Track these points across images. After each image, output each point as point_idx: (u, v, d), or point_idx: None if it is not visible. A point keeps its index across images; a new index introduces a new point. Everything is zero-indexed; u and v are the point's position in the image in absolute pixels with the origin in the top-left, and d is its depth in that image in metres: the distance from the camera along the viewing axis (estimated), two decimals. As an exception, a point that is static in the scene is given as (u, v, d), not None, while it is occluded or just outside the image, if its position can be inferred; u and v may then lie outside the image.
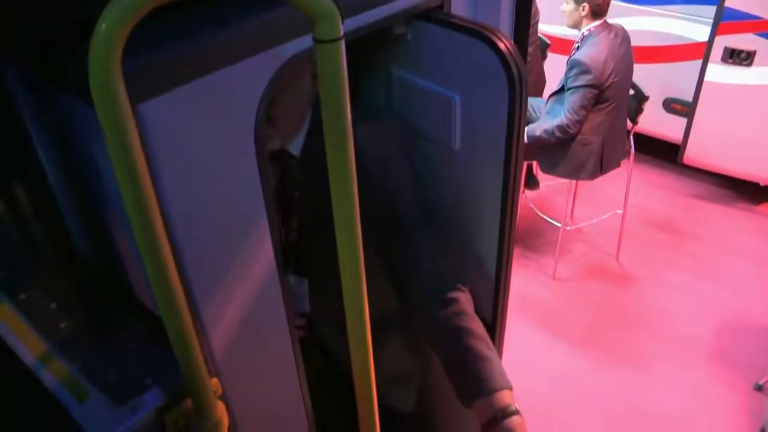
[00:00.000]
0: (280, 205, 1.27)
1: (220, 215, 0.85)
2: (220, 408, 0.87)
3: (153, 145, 0.73)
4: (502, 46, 1.09)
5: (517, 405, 1.18)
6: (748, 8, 3.67)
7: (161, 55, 0.72)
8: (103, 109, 0.61)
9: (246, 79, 0.81)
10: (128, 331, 0.99)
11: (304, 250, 1.30)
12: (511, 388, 1.21)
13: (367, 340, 0.90)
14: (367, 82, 1.42)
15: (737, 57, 3.79)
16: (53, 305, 1.03)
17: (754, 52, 3.74)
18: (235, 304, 0.93)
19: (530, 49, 3.72)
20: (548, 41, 4.06)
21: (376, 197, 1.26)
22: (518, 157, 1.21)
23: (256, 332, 0.99)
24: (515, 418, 1.16)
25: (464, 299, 1.27)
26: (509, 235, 1.32)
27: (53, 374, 0.90)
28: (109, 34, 0.57)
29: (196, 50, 0.75)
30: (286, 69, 0.84)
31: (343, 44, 0.66)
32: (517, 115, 1.14)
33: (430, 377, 1.66)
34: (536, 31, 3.86)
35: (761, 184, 4.20)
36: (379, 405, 1.00)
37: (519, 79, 1.11)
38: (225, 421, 0.88)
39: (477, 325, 1.25)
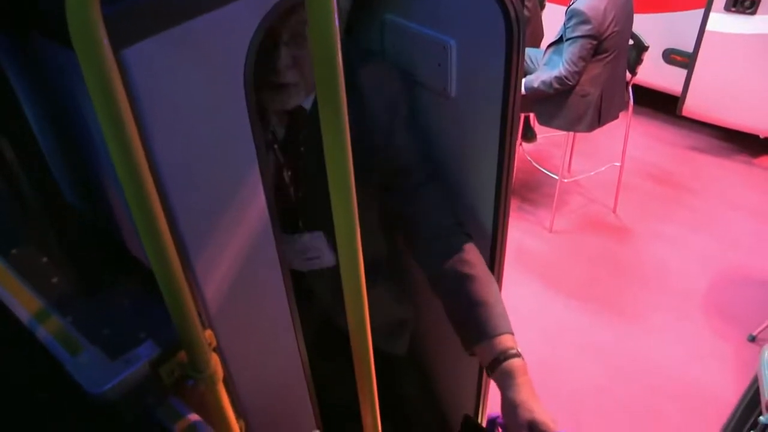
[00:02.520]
0: (290, 159, 1.25)
1: (210, 164, 0.84)
2: (215, 360, 0.86)
3: (138, 92, 0.71)
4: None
5: (519, 349, 1.19)
6: (752, -47, 3.59)
7: (143, -1, 0.69)
8: (84, 54, 0.58)
9: (233, 24, 0.78)
10: (121, 285, 0.99)
11: (309, 206, 1.29)
12: (512, 333, 1.21)
13: (362, 291, 0.89)
14: (360, 29, 1.39)
15: (741, 5, 3.72)
16: (45, 260, 1.02)
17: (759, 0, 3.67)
18: (228, 255, 0.92)
19: (529, 4, 3.66)
20: (547, -10, 3.98)
21: (384, 144, 1.26)
22: (515, 104, 1.19)
23: (251, 284, 0.99)
24: (516, 360, 1.17)
25: (469, 248, 1.28)
26: (506, 186, 1.31)
27: (47, 329, 0.90)
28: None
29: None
30: (273, 13, 0.81)
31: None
32: (514, 61, 1.12)
33: (422, 323, 1.68)
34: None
35: (761, 136, 4.18)
36: (373, 351, 1.00)
37: (517, 23, 1.08)
38: (219, 372, 0.88)
39: (481, 272, 1.26)
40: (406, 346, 1.64)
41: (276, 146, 1.23)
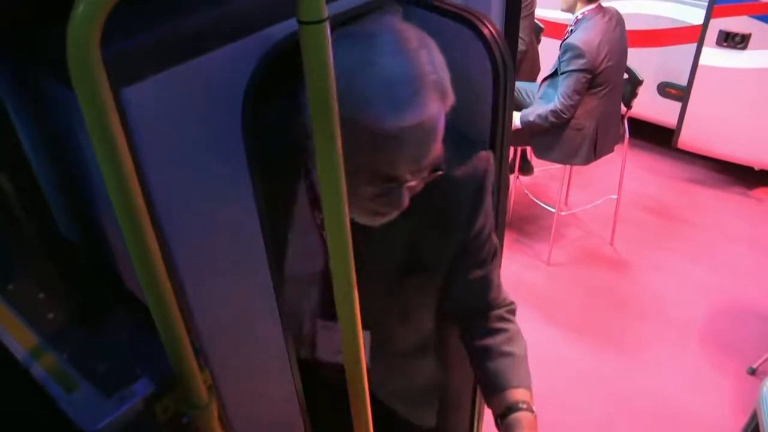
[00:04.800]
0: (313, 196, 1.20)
1: (207, 202, 0.84)
2: (210, 396, 0.86)
3: (137, 131, 0.72)
4: (486, 31, 1.08)
5: (533, 405, 1.20)
6: (742, -10, 3.66)
7: (144, 39, 0.70)
8: (83, 93, 0.59)
9: (232, 64, 0.79)
10: (118, 321, 0.98)
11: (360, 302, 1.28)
12: (528, 388, 1.23)
13: (359, 339, 0.90)
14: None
15: (732, 40, 3.78)
16: (41, 295, 1.02)
17: (749, 35, 3.73)
18: (225, 294, 0.93)
19: (526, 38, 3.71)
20: (542, 25, 4.04)
21: (465, 231, 1.21)
22: (504, 144, 1.20)
23: (247, 323, 0.99)
24: (524, 414, 1.18)
25: (515, 331, 1.31)
26: (500, 220, 1.32)
27: (42, 366, 0.90)
28: (87, 18, 0.55)
29: (179, 34, 0.73)
30: (273, 53, 0.83)
31: (327, 26, 0.64)
32: (501, 101, 1.14)
33: (448, 389, 1.66)
34: (533, 19, 3.84)
35: (755, 168, 4.20)
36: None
37: (503, 66, 1.10)
38: (215, 410, 0.87)
39: (519, 343, 1.29)
40: (435, 419, 1.61)
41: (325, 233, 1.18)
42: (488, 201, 1.21)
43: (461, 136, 1.19)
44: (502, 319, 1.31)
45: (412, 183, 0.98)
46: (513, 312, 1.35)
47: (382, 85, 0.87)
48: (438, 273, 1.24)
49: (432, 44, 0.95)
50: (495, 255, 1.30)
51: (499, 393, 1.22)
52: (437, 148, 0.96)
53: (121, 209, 0.65)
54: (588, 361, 3.19)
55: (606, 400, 3.00)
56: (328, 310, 1.23)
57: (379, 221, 1.07)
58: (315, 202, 1.14)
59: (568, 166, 3.61)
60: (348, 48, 0.89)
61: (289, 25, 0.83)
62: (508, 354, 1.26)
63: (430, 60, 0.92)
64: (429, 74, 0.90)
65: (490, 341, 1.28)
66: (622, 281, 3.69)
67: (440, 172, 1.01)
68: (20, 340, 0.94)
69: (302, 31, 0.64)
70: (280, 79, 0.91)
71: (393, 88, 0.88)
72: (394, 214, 1.05)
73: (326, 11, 0.64)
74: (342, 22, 0.92)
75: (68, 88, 0.61)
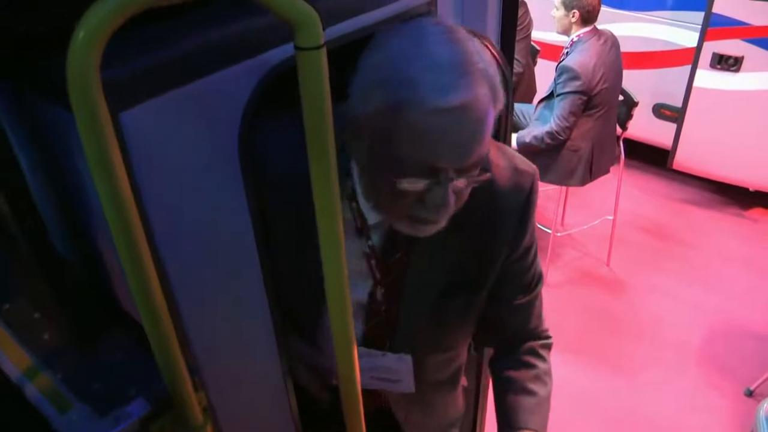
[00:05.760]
0: (386, 276, 1.17)
1: (204, 224, 0.85)
2: (206, 418, 0.86)
3: (134, 155, 0.73)
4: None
5: None
6: (734, 14, 3.70)
7: (142, 63, 0.71)
8: (82, 117, 0.60)
9: (229, 88, 0.80)
10: (113, 341, 0.98)
11: (402, 327, 1.22)
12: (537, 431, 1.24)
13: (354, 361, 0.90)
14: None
15: (725, 63, 3.82)
16: (37, 315, 1.02)
17: (742, 58, 3.77)
18: (221, 314, 0.93)
19: (523, 60, 3.75)
20: (538, 47, 4.07)
21: (507, 238, 1.17)
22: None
23: (243, 345, 0.99)
24: None
25: (544, 366, 1.33)
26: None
27: (36, 386, 0.89)
28: (87, 44, 0.56)
29: (177, 58, 0.74)
30: (270, 77, 0.84)
31: (324, 52, 0.65)
32: (498, 122, 1.15)
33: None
34: (530, 41, 3.87)
35: (750, 189, 4.22)
36: None
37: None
38: (210, 430, 0.87)
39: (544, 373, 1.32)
40: None
41: (374, 261, 1.13)
42: (534, 220, 1.17)
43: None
44: (536, 354, 1.32)
45: (458, 183, 0.93)
46: (548, 347, 1.35)
47: (428, 67, 0.85)
48: (481, 295, 1.20)
49: (480, 44, 0.94)
50: (539, 281, 1.27)
51: (512, 431, 1.23)
52: (483, 146, 0.92)
53: (118, 231, 0.66)
54: (584, 381, 3.18)
55: (602, 421, 2.98)
56: (371, 339, 1.21)
57: (422, 231, 1.00)
58: (362, 228, 1.10)
59: (564, 187, 3.63)
60: (395, 35, 0.90)
61: (288, 48, 0.85)
62: (532, 393, 1.27)
63: (478, 51, 0.90)
64: (476, 63, 0.88)
65: (517, 374, 1.28)
66: (618, 302, 3.69)
67: (488, 175, 0.97)
68: (15, 360, 0.94)
69: (299, 56, 0.65)
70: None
71: (438, 70, 0.85)
72: (440, 224, 0.99)
73: (323, 37, 0.65)
74: (341, 46, 0.92)
75: (67, 111, 0.61)
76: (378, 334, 1.21)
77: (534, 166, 1.16)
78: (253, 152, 0.86)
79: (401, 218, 0.99)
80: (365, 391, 1.11)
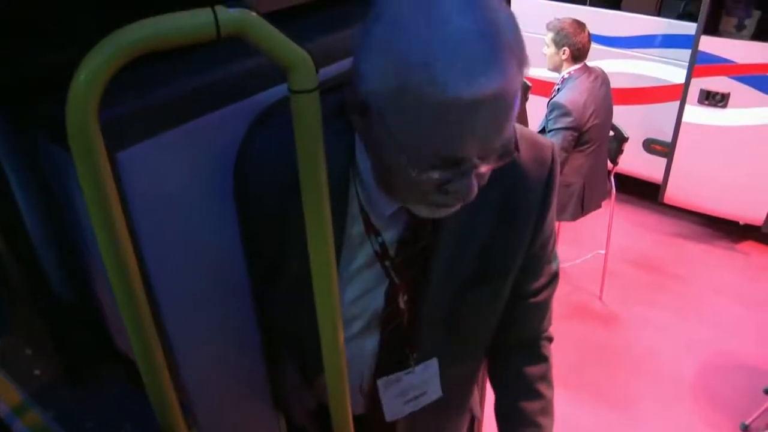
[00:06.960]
0: (408, 278, 1.06)
1: (200, 263, 0.86)
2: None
3: (131, 194, 0.74)
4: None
5: None
6: (720, 52, 3.78)
7: (139, 104, 0.73)
8: (80, 156, 0.61)
9: (224, 127, 0.82)
10: (107, 378, 0.98)
11: (424, 332, 1.11)
12: None
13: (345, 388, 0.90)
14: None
15: (713, 99, 3.88)
16: (29, 351, 1.02)
17: (728, 94, 3.83)
18: (214, 353, 0.93)
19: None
20: (529, 83, 4.13)
21: (531, 219, 1.07)
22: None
23: (235, 382, 0.99)
24: None
25: (547, 367, 1.25)
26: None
27: (25, 423, 0.89)
28: (88, 86, 0.58)
29: (173, 99, 0.76)
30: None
31: (317, 95, 0.67)
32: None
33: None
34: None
35: (740, 223, 4.26)
36: None
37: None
38: (201, 469, 0.87)
39: (545, 390, 1.24)
40: None
41: (388, 263, 1.00)
42: (554, 204, 1.07)
43: None
44: (540, 358, 1.23)
45: (482, 169, 0.82)
46: (551, 340, 1.26)
47: (448, 45, 0.70)
48: (507, 283, 1.09)
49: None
50: (555, 278, 1.18)
51: None
52: (510, 128, 0.80)
53: (114, 269, 0.67)
54: (579, 416, 3.16)
55: (598, 457, 2.96)
56: (388, 351, 1.09)
57: (440, 213, 0.91)
58: (370, 228, 0.98)
59: (556, 222, 3.64)
60: (408, 4, 0.74)
61: (282, 89, 0.86)
62: (539, 426, 1.21)
63: (504, 13, 0.76)
64: (504, 34, 0.73)
65: (526, 405, 1.22)
66: (611, 336, 3.68)
67: (513, 155, 0.84)
68: (3, 397, 0.94)
69: (293, 99, 0.66)
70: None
71: (461, 50, 0.71)
72: (458, 206, 0.89)
73: (317, 80, 0.66)
74: (329, 88, 0.86)
75: (65, 150, 0.63)
76: (396, 343, 1.09)
77: (549, 139, 1.07)
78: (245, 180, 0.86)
79: (414, 203, 0.90)
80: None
